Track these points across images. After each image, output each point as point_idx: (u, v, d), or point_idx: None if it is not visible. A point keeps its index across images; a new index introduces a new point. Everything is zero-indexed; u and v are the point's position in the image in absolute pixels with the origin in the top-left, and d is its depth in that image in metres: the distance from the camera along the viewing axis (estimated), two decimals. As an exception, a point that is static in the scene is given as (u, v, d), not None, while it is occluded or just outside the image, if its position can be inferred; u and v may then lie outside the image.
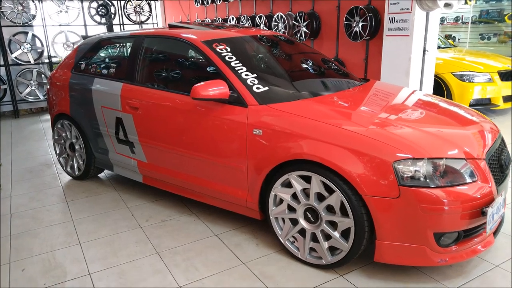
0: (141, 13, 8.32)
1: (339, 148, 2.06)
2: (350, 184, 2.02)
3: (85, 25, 7.54)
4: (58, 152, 3.92)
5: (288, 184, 2.28)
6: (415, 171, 1.94)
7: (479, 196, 1.97)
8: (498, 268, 2.22)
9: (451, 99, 5.51)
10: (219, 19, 7.33)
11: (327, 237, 2.19)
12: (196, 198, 2.88)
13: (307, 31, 5.37)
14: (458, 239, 2.01)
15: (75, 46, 3.84)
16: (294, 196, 2.27)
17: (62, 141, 3.81)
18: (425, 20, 4.05)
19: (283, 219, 2.37)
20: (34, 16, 6.96)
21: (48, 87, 3.92)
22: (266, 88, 2.52)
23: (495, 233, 2.24)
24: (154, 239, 2.68)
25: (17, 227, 2.93)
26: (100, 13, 7.69)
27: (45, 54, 7.15)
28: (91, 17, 7.61)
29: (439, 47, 6.56)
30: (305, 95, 2.57)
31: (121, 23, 8.05)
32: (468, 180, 1.98)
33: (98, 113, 3.31)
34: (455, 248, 2.02)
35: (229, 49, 2.75)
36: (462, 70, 5.54)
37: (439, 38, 6.94)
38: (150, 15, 8.45)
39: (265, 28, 6.09)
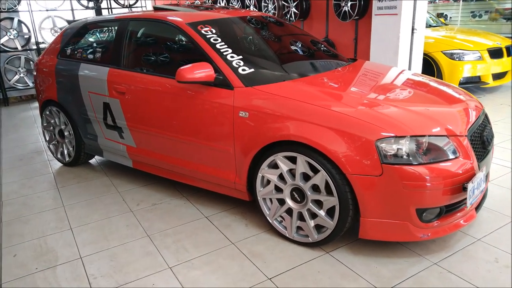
0: (129, -4, 8.16)
1: (323, 128, 2.08)
2: (334, 163, 2.05)
3: (72, 9, 7.40)
4: (47, 139, 3.91)
5: (274, 165, 2.31)
6: (398, 149, 1.96)
7: (460, 172, 2.00)
8: (480, 242, 2.28)
9: (441, 78, 5.52)
10: (209, 1, 7.22)
11: (313, 215, 2.23)
12: (186, 182, 2.90)
13: (296, 11, 5.32)
14: (440, 215, 2.06)
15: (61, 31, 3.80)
16: (281, 176, 2.30)
17: (51, 128, 3.80)
18: (414, -2, 4.03)
19: (270, 199, 2.40)
20: (19, 1, 6.80)
21: (35, 73, 3.88)
22: (252, 70, 2.52)
23: (478, 208, 2.29)
24: (145, 222, 2.71)
25: (8, 214, 2.95)
26: (87, -3, 7.54)
27: (33, 40, 7.03)
28: (78, 1, 7.46)
29: (430, 26, 6.53)
30: (292, 76, 2.57)
31: (109, 6, 7.90)
32: (451, 156, 2.02)
33: (85, 99, 3.30)
34: (437, 223, 2.07)
35: (214, 31, 2.73)
36: (452, 48, 5.54)
37: (430, 17, 6.90)
38: (138, -2, 8.29)
39: (255, 9, 6.01)
